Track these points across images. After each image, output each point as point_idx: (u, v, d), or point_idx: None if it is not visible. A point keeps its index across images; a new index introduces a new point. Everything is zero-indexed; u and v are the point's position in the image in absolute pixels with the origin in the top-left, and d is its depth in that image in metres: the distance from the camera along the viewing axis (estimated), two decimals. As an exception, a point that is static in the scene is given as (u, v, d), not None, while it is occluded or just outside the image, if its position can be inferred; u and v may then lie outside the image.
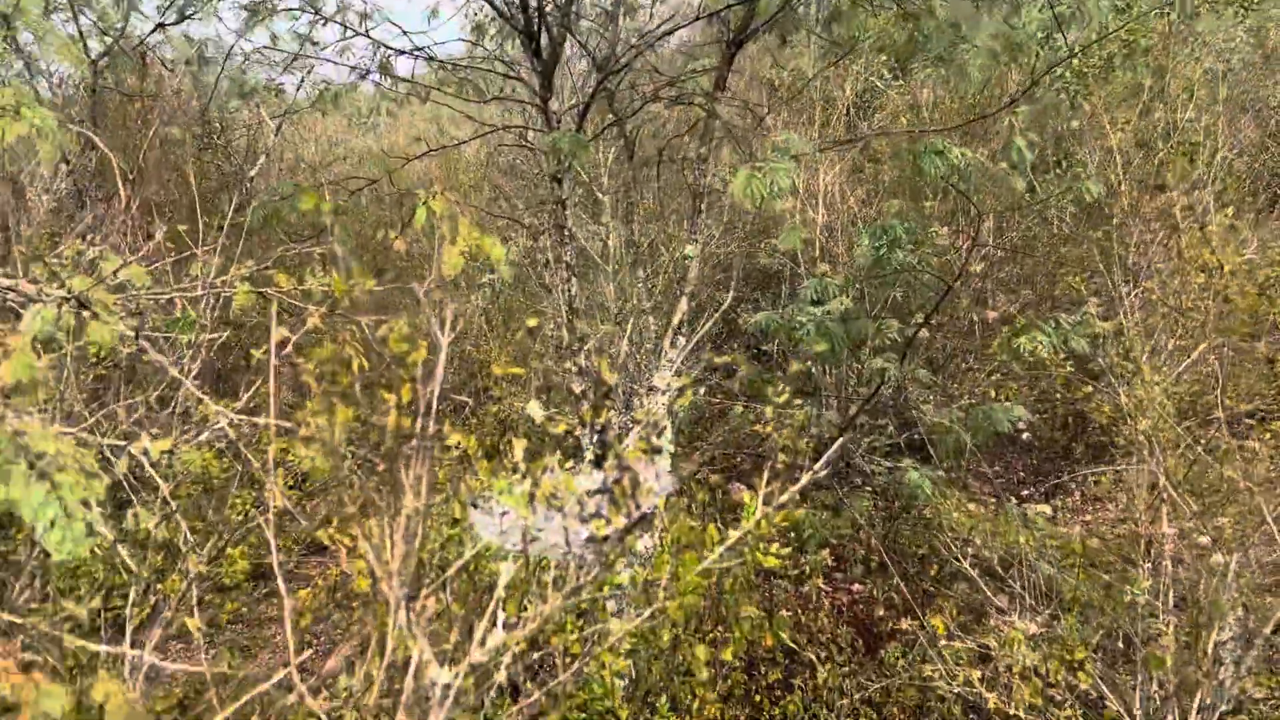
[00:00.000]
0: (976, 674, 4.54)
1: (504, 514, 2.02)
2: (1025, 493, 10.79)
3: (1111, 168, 9.93)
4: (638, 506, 1.98)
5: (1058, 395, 8.43)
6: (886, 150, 11.13)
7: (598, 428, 1.95)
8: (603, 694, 3.91)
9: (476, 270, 12.59)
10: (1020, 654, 4.70)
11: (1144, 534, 5.56)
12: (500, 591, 2.40)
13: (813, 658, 5.99)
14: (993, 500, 9.94)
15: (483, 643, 2.20)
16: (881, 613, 7.16)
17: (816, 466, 2.33)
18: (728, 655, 3.42)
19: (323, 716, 2.20)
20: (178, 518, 3.02)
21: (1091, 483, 10.24)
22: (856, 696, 6.15)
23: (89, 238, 3.96)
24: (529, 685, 3.81)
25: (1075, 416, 11.50)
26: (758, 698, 6.39)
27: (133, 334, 3.27)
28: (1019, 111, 7.79)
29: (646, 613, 2.26)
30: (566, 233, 5.16)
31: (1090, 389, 5.51)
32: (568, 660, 2.33)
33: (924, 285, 8.63)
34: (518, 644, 2.26)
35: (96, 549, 2.96)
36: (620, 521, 1.89)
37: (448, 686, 2.19)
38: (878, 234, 7.59)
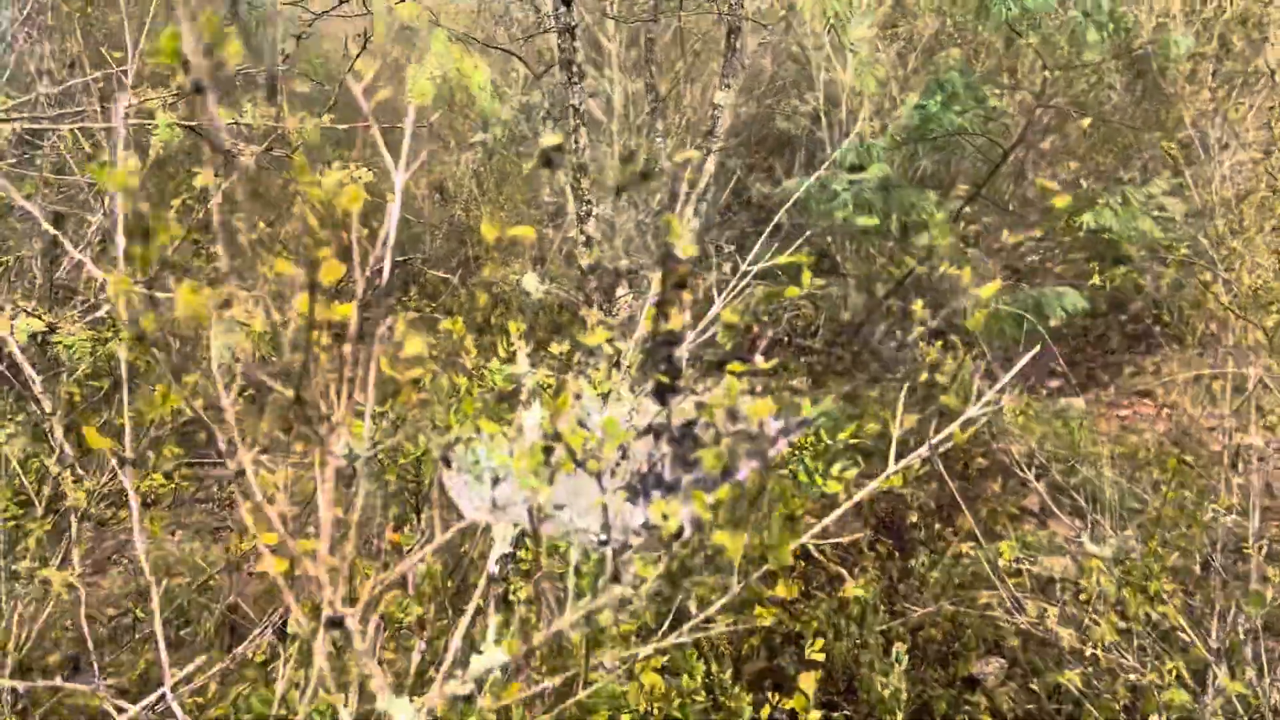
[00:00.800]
0: (1053, 610, 3.85)
1: (496, 480, 1.19)
2: (1055, 384, 10.10)
3: (1169, 30, 8.89)
4: (727, 472, 1.15)
5: (1123, 276, 7.57)
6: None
7: (662, 338, 1.15)
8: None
9: (469, 130, 11.53)
10: (1097, 583, 4.00)
11: (1230, 443, 4.86)
12: (490, 567, 1.61)
13: (842, 571, 5.34)
14: (1018, 391, 9.21)
15: (463, 665, 1.41)
16: (914, 519, 6.48)
17: (985, 396, 1.52)
18: (818, 652, 2.68)
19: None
20: (52, 424, 2.22)
21: (1128, 374, 9.55)
22: (884, 612, 5.52)
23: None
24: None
25: (1110, 301, 10.65)
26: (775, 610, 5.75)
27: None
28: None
29: (716, 627, 1.48)
30: (576, 70, 4.21)
31: (1208, 276, 4.69)
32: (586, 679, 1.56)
33: (974, 151, 7.66)
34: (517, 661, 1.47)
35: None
36: (705, 508, 1.07)
37: (408, 732, 1.40)
38: (931, 89, 6.59)
